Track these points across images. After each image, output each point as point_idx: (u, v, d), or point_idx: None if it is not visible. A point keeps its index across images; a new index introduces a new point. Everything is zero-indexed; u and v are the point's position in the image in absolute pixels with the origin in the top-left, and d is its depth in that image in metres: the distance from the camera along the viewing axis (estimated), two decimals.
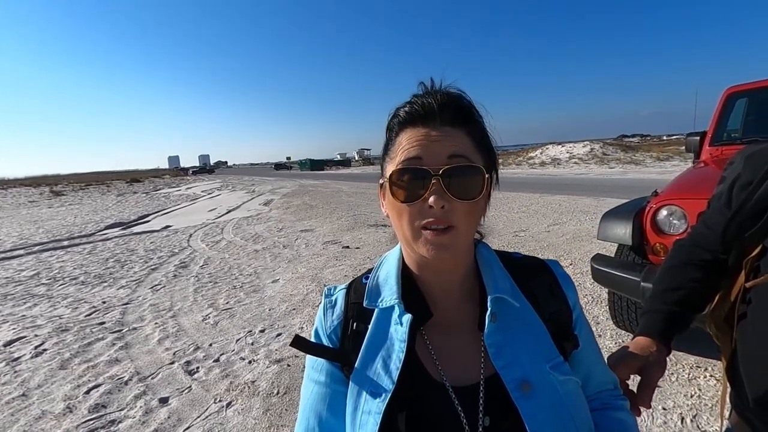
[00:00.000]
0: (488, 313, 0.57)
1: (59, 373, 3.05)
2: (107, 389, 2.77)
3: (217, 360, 3.12)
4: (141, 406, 2.55)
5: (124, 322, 4.00)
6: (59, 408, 2.57)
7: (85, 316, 4.24)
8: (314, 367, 0.63)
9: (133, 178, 47.93)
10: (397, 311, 0.59)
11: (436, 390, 0.56)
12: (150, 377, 2.91)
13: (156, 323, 3.92)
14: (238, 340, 3.44)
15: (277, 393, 2.62)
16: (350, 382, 0.58)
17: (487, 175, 0.55)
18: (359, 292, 0.64)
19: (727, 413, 0.85)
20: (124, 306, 4.49)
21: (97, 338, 3.63)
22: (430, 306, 0.60)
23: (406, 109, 0.57)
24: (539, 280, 0.64)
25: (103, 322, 4.01)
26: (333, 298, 0.66)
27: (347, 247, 6.67)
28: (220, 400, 2.58)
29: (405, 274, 0.62)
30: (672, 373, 2.52)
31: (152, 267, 6.22)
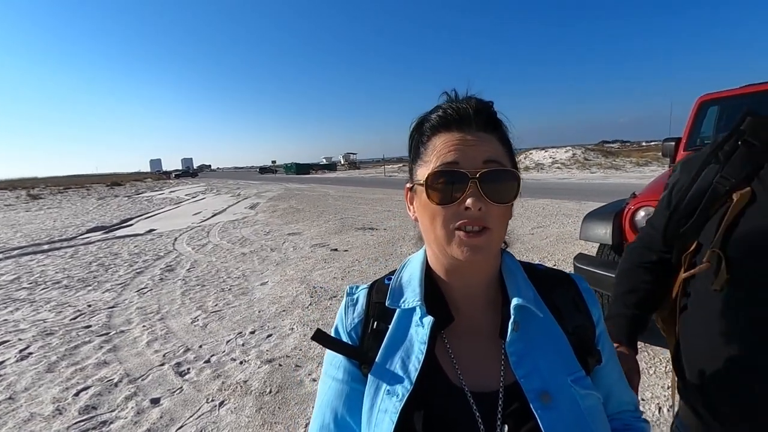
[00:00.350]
0: (511, 320, 0.57)
1: (46, 376, 3.01)
2: (97, 391, 2.75)
3: (207, 361, 3.13)
4: (132, 407, 2.55)
5: (110, 326, 3.96)
6: (48, 410, 2.55)
7: (71, 319, 4.18)
8: (332, 364, 0.63)
9: (114, 181, 47.01)
10: (418, 313, 0.59)
11: (455, 394, 0.55)
12: (140, 379, 2.91)
13: (144, 326, 3.89)
14: (228, 342, 3.46)
15: (270, 392, 2.65)
16: (368, 380, 0.58)
17: (520, 179, 0.57)
18: (381, 291, 0.65)
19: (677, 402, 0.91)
20: (110, 309, 4.44)
21: (84, 341, 3.59)
22: (452, 311, 0.60)
23: (439, 113, 0.58)
24: (563, 293, 0.64)
25: (89, 326, 3.97)
26: (355, 296, 0.67)
27: (335, 249, 6.71)
28: (212, 400, 2.59)
29: (429, 278, 0.63)
30: (650, 366, 2.65)
31: (137, 270, 6.15)
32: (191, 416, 2.44)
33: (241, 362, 3.08)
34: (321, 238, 7.87)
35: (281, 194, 20.10)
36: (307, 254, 6.54)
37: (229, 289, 4.95)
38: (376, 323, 0.62)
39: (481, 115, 0.56)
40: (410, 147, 0.63)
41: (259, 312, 4.13)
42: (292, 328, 3.66)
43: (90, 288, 5.34)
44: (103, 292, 5.11)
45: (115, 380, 2.89)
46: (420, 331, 0.58)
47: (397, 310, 0.61)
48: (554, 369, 0.56)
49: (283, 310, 4.13)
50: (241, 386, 2.73)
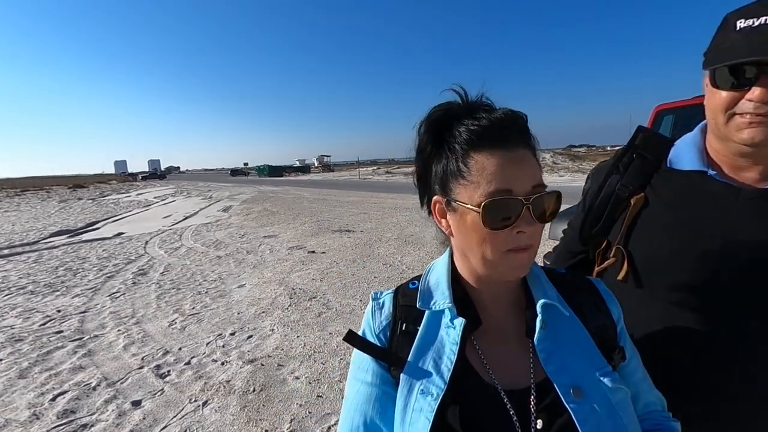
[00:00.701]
0: (539, 319, 0.59)
1: (19, 382, 2.94)
2: (74, 395, 2.72)
3: (188, 363, 3.13)
4: (113, 410, 2.54)
5: (83, 330, 3.88)
6: (25, 416, 2.50)
7: (40, 325, 4.05)
8: (361, 367, 0.64)
9: (77, 183, 45.04)
10: (448, 315, 0.61)
11: (487, 392, 0.57)
12: (119, 382, 2.88)
13: (119, 330, 3.83)
14: (208, 343, 3.46)
15: (254, 390, 2.69)
16: (400, 381, 0.59)
17: (561, 196, 0.59)
18: (407, 295, 0.67)
19: None
20: (82, 314, 4.33)
21: (57, 347, 3.51)
22: (479, 313, 0.62)
23: (475, 126, 0.56)
24: (584, 295, 0.66)
25: (61, 331, 3.87)
26: (381, 300, 0.68)
27: (313, 252, 6.74)
28: (195, 400, 2.61)
29: (455, 281, 0.65)
30: None
31: (108, 275, 5.99)
32: (175, 416, 2.45)
33: (222, 363, 3.10)
34: (297, 240, 7.87)
35: (255, 197, 19.82)
36: (284, 256, 6.54)
37: (206, 292, 4.91)
38: (404, 325, 0.64)
39: (523, 132, 0.57)
40: (430, 152, 0.62)
41: (238, 314, 4.13)
42: (273, 329, 3.69)
43: (58, 293, 5.17)
44: (73, 297, 4.97)
45: (93, 384, 2.86)
46: (451, 332, 0.60)
47: (426, 313, 0.63)
48: (583, 365, 0.58)
49: (263, 312, 4.15)
50: (224, 386, 2.75)
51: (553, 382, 0.55)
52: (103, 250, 7.92)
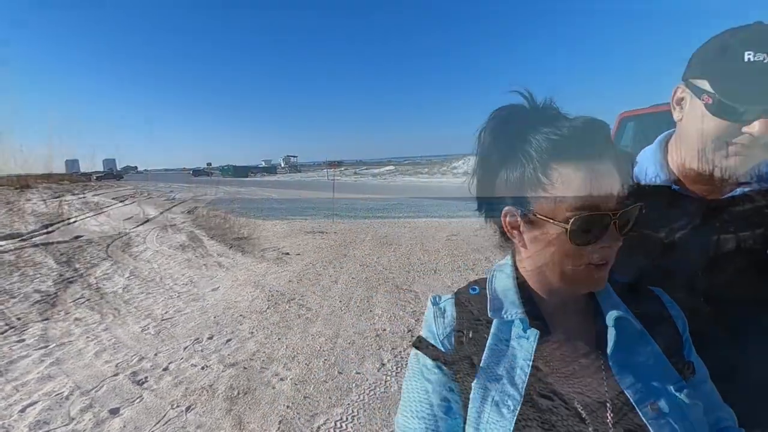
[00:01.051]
0: (611, 332, 0.58)
1: None
2: (46, 406, 2.59)
3: (166, 369, 3.04)
4: (90, 419, 2.44)
5: (49, 338, 3.68)
6: None
7: None
8: (423, 374, 0.62)
9: (23, 183, 42.19)
10: (520, 326, 0.60)
11: (564, 405, 0.55)
12: (93, 390, 2.76)
13: (88, 337, 3.66)
14: (185, 348, 3.37)
15: (238, 394, 2.66)
16: (472, 390, 0.57)
17: (642, 208, 0.58)
18: (470, 301, 0.65)
19: None
20: (45, 322, 4.11)
21: (20, 356, 3.31)
22: (548, 323, 0.61)
23: (556, 137, 0.54)
24: (648, 306, 0.65)
25: (23, 339, 3.65)
26: (441, 306, 0.67)
27: (287, 253, 6.67)
28: (177, 406, 2.55)
29: (521, 289, 0.63)
30: None
31: (69, 280, 5.69)
32: (157, 423, 2.39)
33: (202, 367, 3.03)
34: (270, 242, 7.76)
35: (221, 198, 19.30)
36: (258, 258, 6.44)
37: (178, 296, 4.77)
38: (471, 332, 0.62)
39: (607, 143, 0.55)
40: (497, 159, 0.60)
41: (215, 317, 4.04)
42: (252, 332, 3.65)
43: (15, 300, 4.86)
44: (32, 304, 4.68)
45: (65, 393, 2.73)
46: (524, 343, 0.59)
47: (495, 321, 0.61)
48: (657, 379, 0.56)
49: (240, 315, 4.08)
50: (206, 390, 2.71)
51: (630, 396, 0.54)
52: (61, 255, 7.50)
